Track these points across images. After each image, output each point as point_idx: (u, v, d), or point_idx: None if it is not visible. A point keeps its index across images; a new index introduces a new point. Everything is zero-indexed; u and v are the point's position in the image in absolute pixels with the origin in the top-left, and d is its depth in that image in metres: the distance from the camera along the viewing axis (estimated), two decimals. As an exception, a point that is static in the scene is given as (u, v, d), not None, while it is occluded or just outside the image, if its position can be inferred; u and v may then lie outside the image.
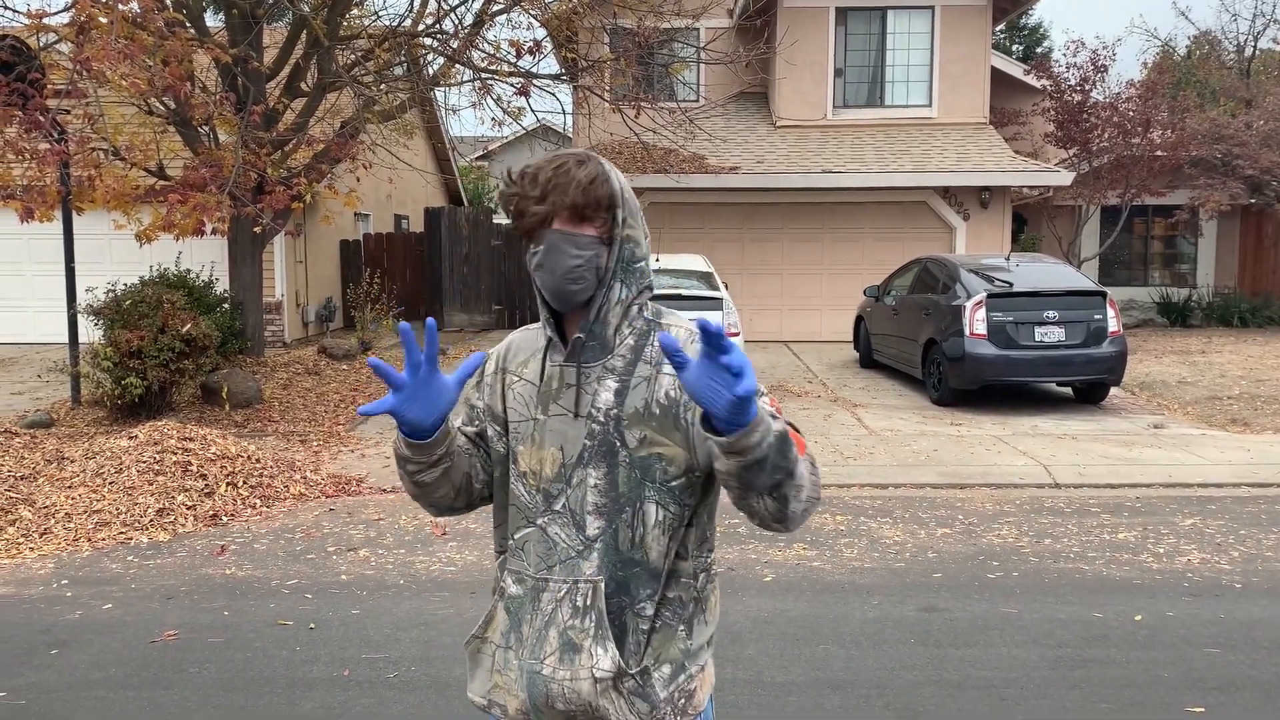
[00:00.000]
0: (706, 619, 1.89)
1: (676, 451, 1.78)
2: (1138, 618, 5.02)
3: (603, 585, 1.78)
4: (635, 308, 1.84)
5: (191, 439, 7.70)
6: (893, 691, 4.21)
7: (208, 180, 9.47)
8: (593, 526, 1.79)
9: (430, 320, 1.62)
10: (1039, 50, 31.55)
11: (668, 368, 1.79)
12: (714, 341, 1.40)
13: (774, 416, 1.57)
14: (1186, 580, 5.61)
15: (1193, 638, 4.77)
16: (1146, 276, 20.57)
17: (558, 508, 1.81)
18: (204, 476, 7.31)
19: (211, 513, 6.94)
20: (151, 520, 6.69)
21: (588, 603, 1.78)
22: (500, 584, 1.92)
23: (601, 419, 1.79)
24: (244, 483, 7.42)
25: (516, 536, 1.87)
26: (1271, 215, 19.01)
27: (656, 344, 1.80)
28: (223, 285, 12.93)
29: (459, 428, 1.95)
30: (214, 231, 10.51)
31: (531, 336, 1.96)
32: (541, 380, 1.85)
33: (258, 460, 7.79)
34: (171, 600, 5.38)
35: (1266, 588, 5.49)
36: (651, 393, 1.79)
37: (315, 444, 9.17)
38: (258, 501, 7.26)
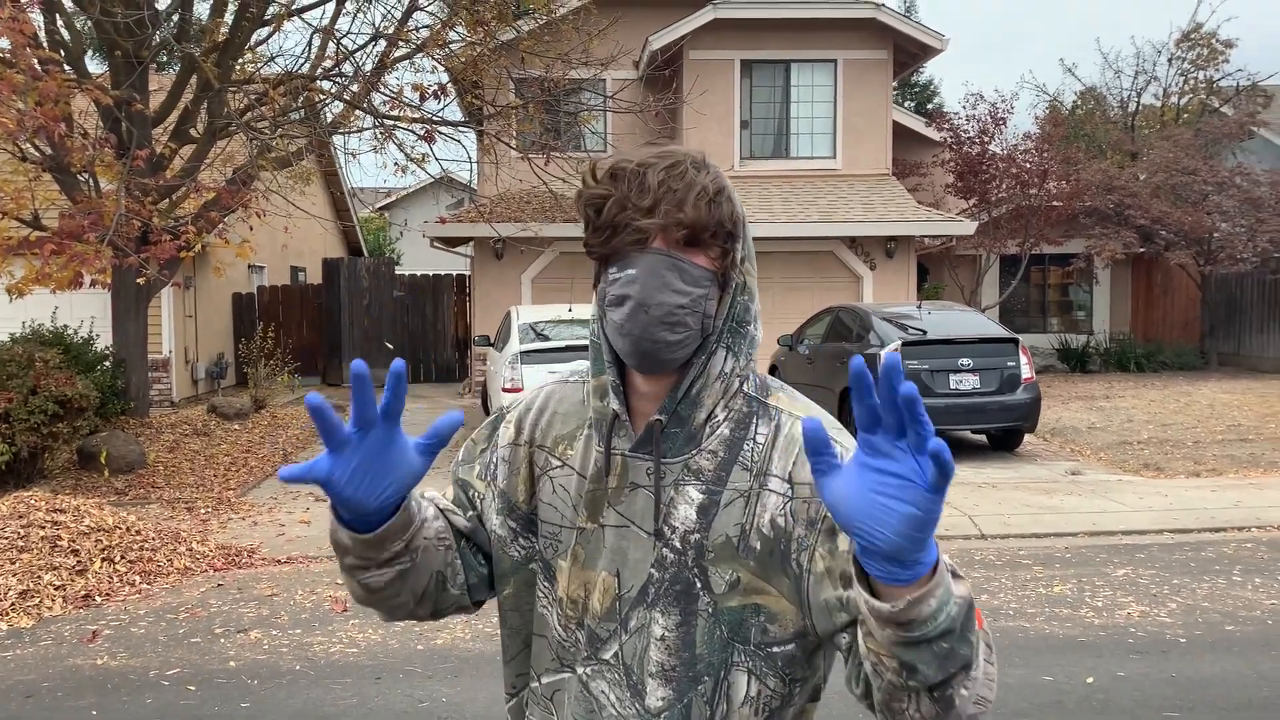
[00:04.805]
0: None
1: (783, 606, 1.22)
2: (1089, 680, 4.79)
3: None
4: (737, 381, 1.28)
5: (62, 510, 7.01)
6: (846, 776, 3.87)
7: (86, 229, 8.82)
8: (655, 696, 1.25)
9: (399, 362, 1.05)
10: (930, 106, 32.45)
11: (774, 481, 1.24)
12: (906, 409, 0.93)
13: (955, 574, 1.04)
14: (1130, 636, 5.42)
15: (1148, 700, 4.54)
16: (1045, 323, 21.03)
17: (607, 657, 1.27)
18: (75, 552, 6.62)
19: (84, 593, 6.27)
20: (13, 604, 5.99)
21: None
22: None
23: (678, 544, 1.24)
24: (122, 558, 6.75)
25: (544, 681, 1.35)
26: (1161, 263, 19.64)
27: (758, 439, 1.26)
28: (105, 341, 12.11)
29: (442, 509, 1.36)
30: (94, 283, 9.81)
31: (573, 395, 1.38)
32: (607, 474, 1.29)
33: (138, 532, 7.12)
34: (31, 699, 4.74)
35: (1210, 641, 5.33)
36: (752, 516, 1.24)
37: (203, 511, 8.50)
38: (137, 578, 6.60)
